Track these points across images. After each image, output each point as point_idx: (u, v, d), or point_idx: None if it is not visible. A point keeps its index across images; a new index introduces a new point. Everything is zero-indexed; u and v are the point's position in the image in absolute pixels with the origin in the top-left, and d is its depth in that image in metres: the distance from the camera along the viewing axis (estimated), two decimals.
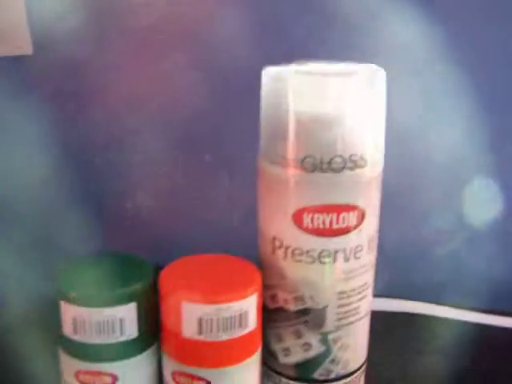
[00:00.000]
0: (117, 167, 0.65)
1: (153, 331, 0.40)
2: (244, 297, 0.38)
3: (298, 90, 0.38)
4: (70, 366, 0.40)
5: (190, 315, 0.38)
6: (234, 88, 0.62)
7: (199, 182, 0.66)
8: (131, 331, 0.39)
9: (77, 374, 0.40)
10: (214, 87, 0.62)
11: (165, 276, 0.39)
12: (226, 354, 0.39)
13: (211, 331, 0.38)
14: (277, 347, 0.43)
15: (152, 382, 0.41)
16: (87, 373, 0.39)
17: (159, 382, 0.42)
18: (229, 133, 0.64)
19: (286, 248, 0.41)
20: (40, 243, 0.65)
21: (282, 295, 0.42)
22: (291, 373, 0.44)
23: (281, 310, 0.42)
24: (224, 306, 0.37)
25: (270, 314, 0.42)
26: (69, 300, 0.38)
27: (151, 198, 0.66)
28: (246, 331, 0.39)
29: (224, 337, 0.38)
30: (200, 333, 0.38)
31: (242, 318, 0.38)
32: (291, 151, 0.39)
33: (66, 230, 0.65)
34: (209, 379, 0.39)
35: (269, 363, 0.44)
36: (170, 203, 0.67)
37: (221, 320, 0.38)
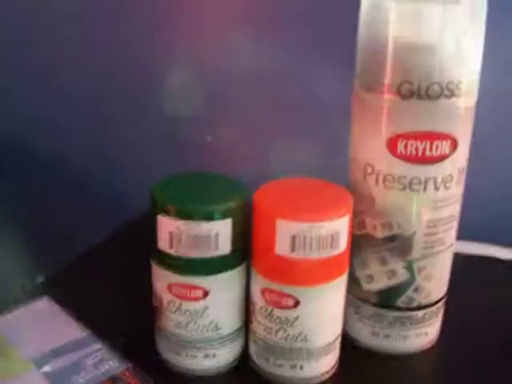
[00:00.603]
0: None
1: (245, 249, 0.41)
2: (338, 217, 0.39)
3: (397, 17, 0.38)
4: (163, 279, 0.41)
5: (284, 232, 0.38)
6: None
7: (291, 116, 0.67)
8: (225, 247, 0.40)
9: (169, 287, 0.41)
10: None
11: (260, 194, 0.40)
12: (316, 273, 0.40)
13: (304, 249, 0.39)
14: (361, 274, 0.44)
15: (241, 298, 0.42)
16: (179, 286, 0.41)
17: (247, 300, 0.43)
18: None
19: (378, 174, 0.41)
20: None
21: (370, 222, 0.43)
22: (373, 300, 0.44)
23: (368, 236, 0.43)
24: (318, 224, 0.38)
25: (356, 241, 0.43)
26: (166, 213, 0.39)
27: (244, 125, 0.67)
28: (337, 252, 0.40)
29: (315, 256, 0.39)
30: (292, 250, 0.39)
31: (333, 239, 0.39)
32: (389, 77, 0.39)
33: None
34: (297, 297, 0.40)
35: (352, 290, 0.44)
36: (261, 133, 0.67)
37: (314, 239, 0.38)
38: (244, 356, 0.44)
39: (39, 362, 0.36)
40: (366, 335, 0.45)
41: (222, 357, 0.43)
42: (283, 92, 0.66)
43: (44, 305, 0.41)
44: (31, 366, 0.35)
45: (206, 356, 0.43)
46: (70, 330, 0.39)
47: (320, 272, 0.40)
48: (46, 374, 0.35)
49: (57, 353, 0.37)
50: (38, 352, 0.36)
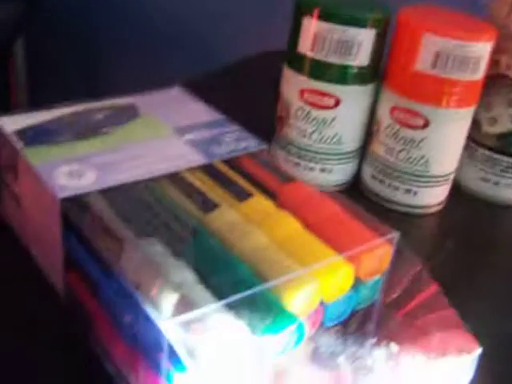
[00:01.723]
0: None
1: (378, 67, 0.42)
2: (483, 40, 0.39)
3: None
4: (296, 84, 0.42)
5: (429, 47, 0.39)
6: None
7: None
8: (364, 58, 0.40)
9: (301, 93, 0.42)
10: None
11: (406, 10, 0.41)
12: (451, 95, 0.40)
13: (445, 67, 0.39)
14: (483, 116, 0.44)
15: (366, 117, 0.43)
16: (312, 91, 0.41)
17: (370, 121, 0.44)
18: None
19: None
20: None
21: (505, 60, 0.43)
22: (490, 144, 0.45)
23: (499, 76, 0.43)
24: (464, 43, 0.38)
25: (486, 81, 0.43)
26: (313, 15, 0.39)
27: None
28: (475, 78, 0.40)
29: (455, 76, 0.39)
30: (433, 67, 0.39)
31: (475, 62, 0.39)
32: None
33: None
34: (428, 118, 0.40)
35: (470, 131, 0.44)
36: None
37: (457, 58, 0.39)
38: (357, 179, 0.45)
39: (180, 132, 0.37)
40: (475, 180, 0.46)
41: (338, 174, 0.44)
42: None
43: (178, 92, 0.42)
44: (173, 133, 0.36)
45: (323, 170, 0.43)
46: (206, 112, 0.39)
47: (455, 95, 0.40)
48: (189, 141, 0.36)
49: (197, 126, 0.38)
50: (179, 124, 0.37)
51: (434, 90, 0.40)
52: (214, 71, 0.61)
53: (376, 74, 0.42)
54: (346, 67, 0.40)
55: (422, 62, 0.39)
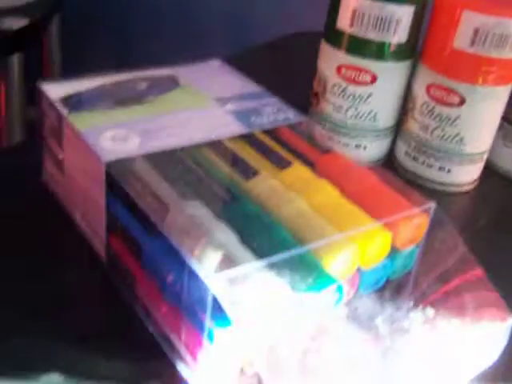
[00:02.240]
0: None
1: (416, 44, 0.42)
2: None
3: None
4: (333, 60, 0.42)
5: (467, 24, 0.39)
6: None
7: None
8: (402, 35, 0.41)
9: (338, 69, 0.42)
10: None
11: None
12: (489, 72, 0.40)
13: (483, 45, 0.39)
14: None
15: (401, 95, 0.43)
16: (349, 67, 0.42)
17: (405, 99, 0.44)
18: None
19: None
20: None
21: None
22: None
23: None
24: (503, 20, 0.38)
25: None
26: None
27: None
28: None
29: (494, 54, 0.39)
30: (472, 44, 0.39)
31: None
32: None
33: None
34: (464, 95, 0.41)
35: (505, 112, 0.44)
36: None
37: (496, 35, 0.39)
38: (390, 156, 0.45)
39: (221, 102, 0.37)
40: (509, 161, 0.46)
41: (372, 150, 0.44)
42: None
43: (217, 64, 0.43)
44: (214, 103, 0.37)
45: (358, 146, 0.44)
46: (246, 84, 0.40)
47: (492, 73, 0.40)
48: (230, 111, 0.37)
49: (237, 97, 0.38)
50: (219, 94, 0.38)
51: (472, 68, 0.40)
52: (253, 48, 0.62)
53: (413, 51, 0.42)
54: (383, 44, 0.41)
55: (461, 40, 0.39)
